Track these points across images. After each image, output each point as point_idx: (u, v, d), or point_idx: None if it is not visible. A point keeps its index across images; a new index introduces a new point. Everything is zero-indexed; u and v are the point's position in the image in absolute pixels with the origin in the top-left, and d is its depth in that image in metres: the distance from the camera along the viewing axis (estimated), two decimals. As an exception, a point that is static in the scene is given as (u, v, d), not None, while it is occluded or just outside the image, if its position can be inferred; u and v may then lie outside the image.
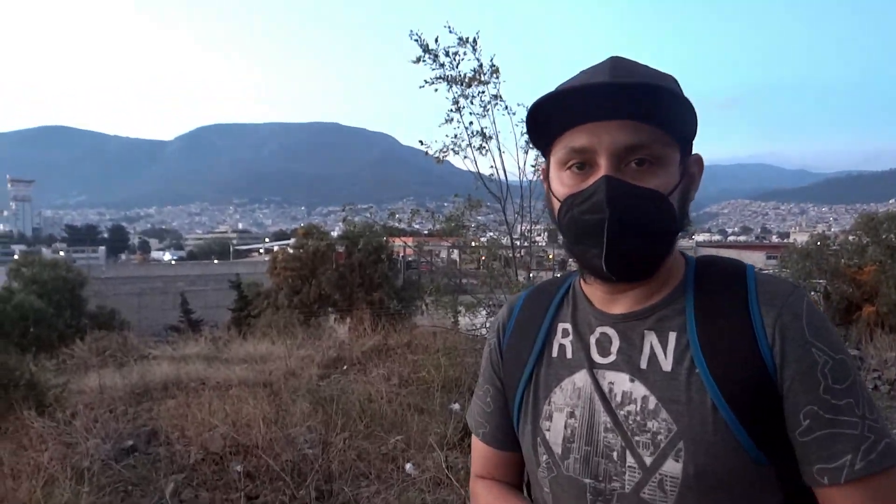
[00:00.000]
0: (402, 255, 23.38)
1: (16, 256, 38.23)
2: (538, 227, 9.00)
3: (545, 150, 1.04)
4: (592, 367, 1.02)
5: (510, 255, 8.42)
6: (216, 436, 5.22)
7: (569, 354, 1.06)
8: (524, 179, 7.81)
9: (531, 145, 7.49)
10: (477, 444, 1.23)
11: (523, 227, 8.45)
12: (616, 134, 0.92)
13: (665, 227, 0.95)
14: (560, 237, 1.04)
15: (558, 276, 1.23)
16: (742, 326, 0.93)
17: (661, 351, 0.97)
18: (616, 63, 0.96)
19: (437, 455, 4.77)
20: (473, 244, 9.74)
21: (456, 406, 6.30)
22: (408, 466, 4.83)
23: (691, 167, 1.00)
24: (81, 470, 4.58)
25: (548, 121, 0.97)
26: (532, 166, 7.66)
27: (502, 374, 1.16)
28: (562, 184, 0.98)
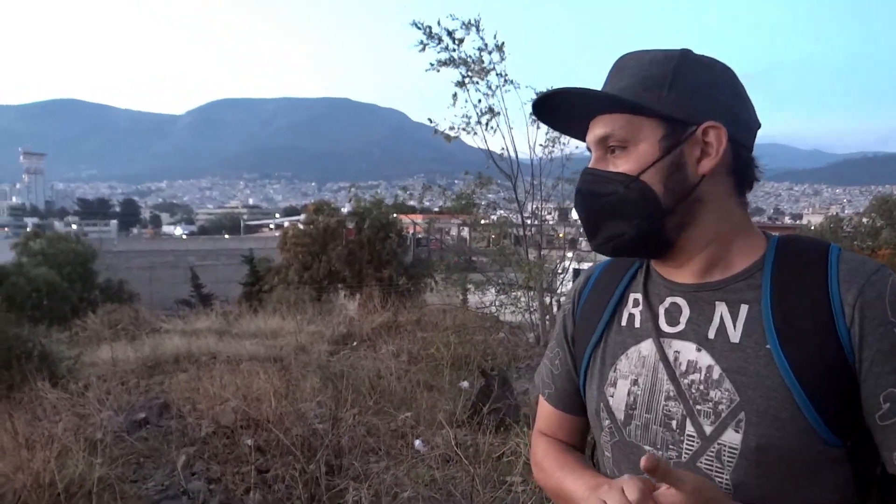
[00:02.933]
0: (412, 231, 23.39)
1: (28, 229, 38.50)
2: (548, 205, 8.97)
3: None
4: (660, 335, 1.03)
5: (520, 233, 8.39)
6: (227, 409, 5.26)
7: (637, 323, 1.08)
8: (535, 157, 7.77)
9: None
10: (542, 402, 1.27)
11: (534, 206, 8.42)
12: (595, 128, 1.02)
13: (637, 206, 0.98)
14: None
15: None
16: (819, 304, 0.92)
17: (731, 322, 0.97)
18: (616, 63, 1.04)
19: (446, 432, 4.79)
20: (483, 222, 9.72)
21: (465, 384, 6.32)
22: (417, 443, 4.86)
23: (705, 136, 0.97)
24: (94, 441, 4.63)
25: (567, 121, 1.09)
26: (542, 145, 7.62)
27: (573, 338, 1.20)
28: None
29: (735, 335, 0.95)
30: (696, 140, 0.97)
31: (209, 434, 5.03)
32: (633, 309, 1.10)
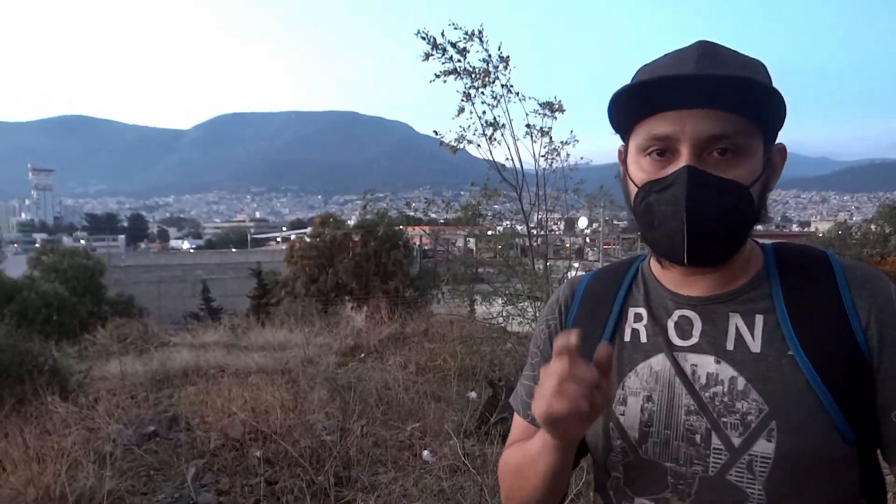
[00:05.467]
0: (418, 243, 23.40)
1: (37, 245, 38.76)
2: (554, 215, 8.98)
3: (625, 133, 1.03)
4: (672, 349, 1.01)
5: (526, 243, 8.41)
6: (236, 422, 5.29)
7: (643, 339, 1.05)
8: (539, 168, 7.79)
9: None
10: (520, 422, 1.20)
11: (539, 216, 8.43)
12: (700, 123, 0.91)
13: (743, 218, 0.95)
14: (633, 221, 1.03)
15: (622, 258, 1.21)
16: (834, 310, 0.94)
17: (749, 332, 0.97)
18: (704, 50, 0.95)
19: (453, 443, 4.80)
20: (490, 233, 9.74)
21: (472, 394, 6.33)
22: (425, 453, 4.87)
23: (774, 157, 1.00)
24: (104, 454, 4.66)
25: (630, 107, 0.97)
26: (542, 156, 7.65)
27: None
28: (641, 169, 0.98)
29: (755, 345, 0.96)
30: (772, 160, 0.99)
31: (218, 446, 5.05)
32: (636, 324, 1.06)
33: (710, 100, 0.91)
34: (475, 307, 10.32)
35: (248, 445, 4.98)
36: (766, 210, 0.99)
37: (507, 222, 9.00)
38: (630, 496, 1.02)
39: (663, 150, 0.94)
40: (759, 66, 0.96)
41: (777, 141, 1.00)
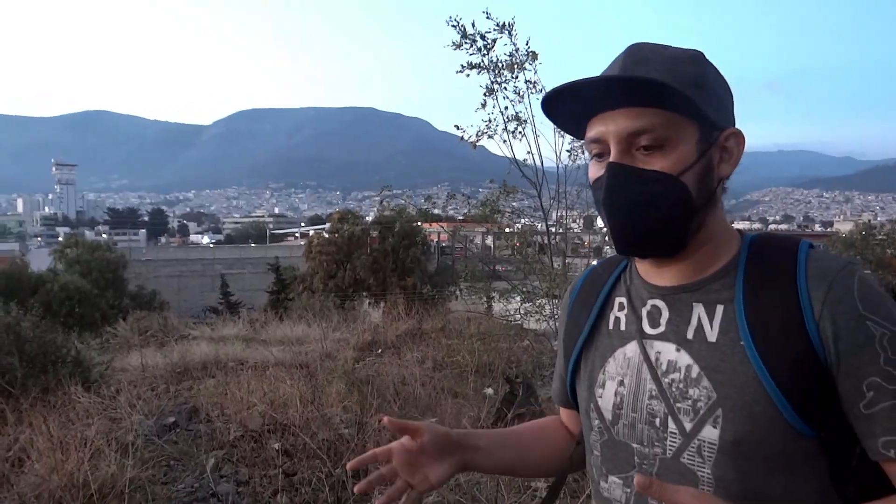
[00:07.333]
0: (436, 240, 23.44)
1: (60, 238, 39.30)
2: (573, 213, 8.95)
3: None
4: (643, 337, 1.07)
5: (545, 241, 8.39)
6: (255, 414, 5.34)
7: (623, 326, 1.11)
8: (560, 164, 7.75)
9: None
10: None
11: (559, 214, 8.41)
12: (621, 121, 0.96)
13: (674, 207, 0.97)
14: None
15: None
16: (788, 301, 0.94)
17: (708, 322, 1.00)
18: (629, 53, 1.00)
19: (470, 438, 4.81)
20: (508, 230, 9.73)
21: (489, 391, 6.33)
22: (441, 448, 4.88)
23: (726, 141, 1.01)
24: (126, 444, 4.73)
25: (563, 115, 1.04)
26: (567, 151, 7.60)
27: (565, 342, 1.23)
28: (592, 171, 1.04)
29: (712, 335, 0.98)
30: (719, 144, 1.00)
31: (237, 438, 5.11)
32: (619, 312, 1.13)
33: (628, 98, 0.96)
34: (493, 304, 10.34)
35: (266, 437, 5.03)
36: (716, 196, 1.01)
37: (525, 220, 8.98)
38: (605, 474, 1.09)
39: (601, 152, 1.01)
40: (682, 59, 0.99)
41: (737, 126, 1.03)
